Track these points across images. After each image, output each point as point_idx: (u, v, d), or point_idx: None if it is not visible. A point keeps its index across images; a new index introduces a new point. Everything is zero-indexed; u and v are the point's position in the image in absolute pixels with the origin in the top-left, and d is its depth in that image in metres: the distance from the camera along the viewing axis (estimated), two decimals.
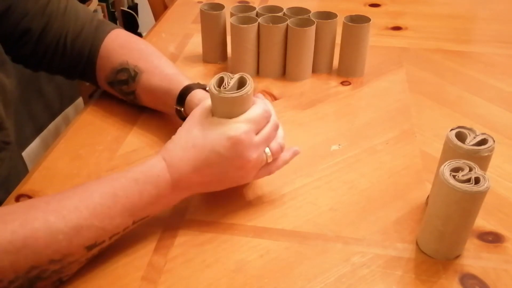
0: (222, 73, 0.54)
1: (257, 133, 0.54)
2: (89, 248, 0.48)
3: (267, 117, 0.55)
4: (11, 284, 0.45)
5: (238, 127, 0.52)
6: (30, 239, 0.45)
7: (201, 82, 0.68)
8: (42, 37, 0.70)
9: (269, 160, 0.57)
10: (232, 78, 0.53)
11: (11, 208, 0.48)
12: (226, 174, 0.54)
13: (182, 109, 0.66)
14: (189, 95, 0.65)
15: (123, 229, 0.51)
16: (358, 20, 0.83)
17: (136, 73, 0.70)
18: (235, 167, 0.53)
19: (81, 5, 0.75)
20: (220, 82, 0.53)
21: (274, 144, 0.56)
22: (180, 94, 0.66)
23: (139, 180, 0.51)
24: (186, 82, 0.67)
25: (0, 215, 0.46)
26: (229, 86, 0.52)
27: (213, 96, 0.53)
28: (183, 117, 0.66)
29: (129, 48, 0.72)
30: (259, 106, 0.54)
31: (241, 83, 0.53)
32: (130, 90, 0.72)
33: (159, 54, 0.73)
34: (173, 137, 0.54)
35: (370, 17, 0.83)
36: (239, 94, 0.52)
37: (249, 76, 0.53)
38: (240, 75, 0.54)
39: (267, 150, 0.56)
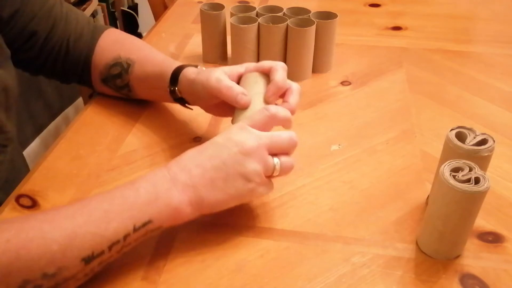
0: None
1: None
2: (86, 260, 0.46)
3: (270, 118, 0.55)
4: None
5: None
6: (23, 250, 0.43)
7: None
8: (48, 40, 0.71)
9: (275, 173, 0.54)
10: None
11: (9, 219, 0.47)
12: (228, 166, 0.50)
13: (176, 88, 0.66)
14: (182, 73, 0.65)
15: (124, 236, 0.47)
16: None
17: (128, 65, 0.71)
18: (233, 156, 0.51)
19: (78, 10, 0.77)
20: None
21: (286, 160, 0.54)
22: (173, 74, 0.66)
23: (136, 182, 0.50)
24: (177, 64, 0.68)
25: None
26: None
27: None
28: (177, 98, 0.67)
29: (121, 43, 0.74)
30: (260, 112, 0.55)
31: None
32: (124, 83, 0.73)
33: (150, 46, 0.75)
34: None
35: (370, 17, 0.83)
36: None
37: None
38: None
39: (276, 160, 0.53)
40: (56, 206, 0.50)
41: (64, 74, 0.76)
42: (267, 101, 0.58)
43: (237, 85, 0.59)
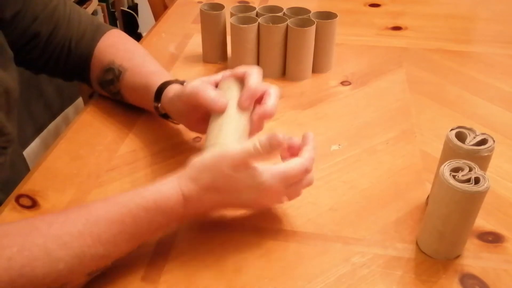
0: None
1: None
2: (90, 274, 0.47)
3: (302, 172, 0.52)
4: None
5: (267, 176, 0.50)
6: (27, 267, 0.43)
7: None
8: (50, 41, 0.71)
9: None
10: None
11: (10, 229, 0.46)
12: (244, 200, 0.52)
13: (159, 105, 0.65)
14: (165, 90, 0.65)
15: (127, 253, 0.50)
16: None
17: (120, 72, 0.71)
18: (251, 198, 0.52)
19: (82, 9, 0.76)
20: None
21: (295, 189, 0.54)
22: (157, 90, 0.65)
23: (150, 210, 0.49)
24: (165, 79, 0.66)
25: None
26: None
27: None
28: (161, 114, 0.67)
29: (117, 48, 0.74)
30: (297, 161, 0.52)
31: None
32: (116, 90, 0.73)
33: (144, 53, 0.74)
34: (196, 168, 0.51)
35: (370, 17, 0.83)
36: None
37: None
38: None
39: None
40: (57, 212, 0.49)
41: (67, 73, 0.76)
42: (240, 106, 0.57)
43: (214, 88, 0.58)
